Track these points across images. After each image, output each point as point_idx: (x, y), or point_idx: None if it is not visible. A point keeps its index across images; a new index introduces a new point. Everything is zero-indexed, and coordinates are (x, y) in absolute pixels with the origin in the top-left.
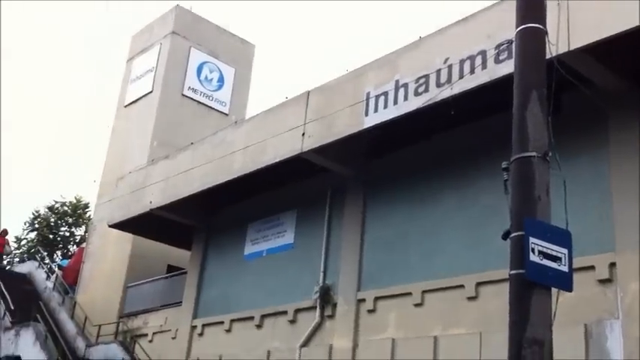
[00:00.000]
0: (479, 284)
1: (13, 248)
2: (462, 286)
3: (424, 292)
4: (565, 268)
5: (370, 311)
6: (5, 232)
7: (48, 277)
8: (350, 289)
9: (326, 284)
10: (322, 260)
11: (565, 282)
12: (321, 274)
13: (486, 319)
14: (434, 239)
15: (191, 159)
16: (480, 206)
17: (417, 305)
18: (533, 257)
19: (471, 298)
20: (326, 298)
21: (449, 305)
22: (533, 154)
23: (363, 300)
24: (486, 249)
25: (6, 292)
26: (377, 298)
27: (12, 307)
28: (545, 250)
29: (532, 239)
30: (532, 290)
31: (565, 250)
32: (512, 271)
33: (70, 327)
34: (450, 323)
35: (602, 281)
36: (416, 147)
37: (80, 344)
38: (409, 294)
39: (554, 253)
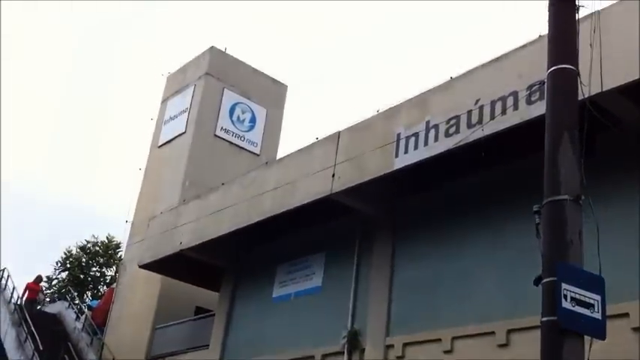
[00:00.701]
0: (510, 331)
1: (44, 289)
2: (492, 333)
3: (454, 338)
4: (598, 315)
5: (399, 358)
6: (40, 278)
7: (77, 318)
8: (378, 334)
9: (354, 329)
10: (350, 304)
11: (598, 329)
12: (349, 318)
13: None
14: (464, 283)
15: (222, 199)
16: (511, 250)
17: (446, 352)
18: (566, 304)
19: (501, 346)
20: (354, 343)
21: (479, 352)
22: (566, 197)
23: (392, 346)
24: (518, 294)
25: (35, 332)
26: (405, 344)
27: (41, 348)
28: (577, 296)
29: (564, 285)
30: (564, 338)
31: (598, 297)
32: (544, 318)
33: None
34: None
35: (637, 329)
36: (447, 188)
37: None
38: (439, 340)
39: (587, 300)
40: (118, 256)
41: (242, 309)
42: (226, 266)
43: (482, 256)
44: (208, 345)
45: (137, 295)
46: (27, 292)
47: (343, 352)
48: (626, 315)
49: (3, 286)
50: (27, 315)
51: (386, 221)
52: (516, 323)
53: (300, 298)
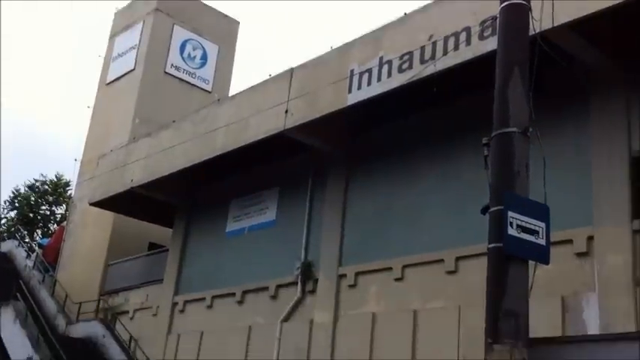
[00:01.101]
0: (458, 259)
1: None
2: (441, 261)
3: (404, 266)
4: (543, 242)
5: (351, 286)
6: None
7: (28, 256)
8: (331, 265)
9: (307, 260)
10: (304, 237)
11: (542, 255)
12: (302, 250)
13: (466, 292)
14: (415, 215)
15: (173, 137)
16: (460, 182)
17: (397, 280)
18: (512, 231)
19: (450, 272)
20: (307, 273)
21: (429, 279)
22: (514, 129)
23: (344, 275)
24: (466, 224)
25: None
26: (358, 274)
27: None
28: (523, 223)
29: (511, 213)
30: (509, 263)
31: (543, 224)
32: (491, 245)
33: (50, 305)
34: (430, 297)
35: (580, 254)
36: (398, 124)
37: (61, 322)
38: (389, 269)
39: (532, 227)
40: (68, 194)
41: (196, 244)
42: (179, 203)
43: (431, 188)
44: (162, 280)
45: (89, 233)
46: None
47: (297, 283)
48: (570, 241)
49: None
50: None
51: (339, 157)
52: (464, 251)
53: (254, 232)
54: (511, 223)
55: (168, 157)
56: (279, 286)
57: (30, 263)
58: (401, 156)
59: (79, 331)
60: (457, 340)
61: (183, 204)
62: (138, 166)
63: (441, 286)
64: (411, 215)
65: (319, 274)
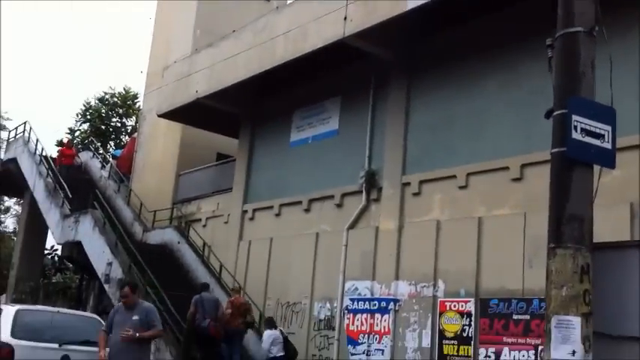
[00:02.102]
0: (524, 166)
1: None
2: (506, 168)
3: (469, 174)
4: (608, 145)
5: (415, 194)
6: (71, 143)
7: (102, 167)
8: (395, 174)
9: (371, 169)
10: (367, 145)
11: (608, 159)
12: (366, 159)
13: (531, 199)
14: (479, 121)
15: (234, 47)
16: (525, 87)
17: (461, 187)
18: (576, 135)
19: (515, 180)
20: (371, 182)
21: (493, 187)
22: (579, 29)
23: (408, 184)
24: (531, 130)
25: (63, 182)
26: (422, 182)
27: (70, 196)
28: (587, 127)
29: (575, 116)
30: (573, 168)
31: (609, 127)
32: (554, 150)
33: (126, 213)
34: (495, 204)
35: None
36: (460, 29)
37: (137, 229)
38: (454, 177)
39: (597, 130)
40: (137, 106)
41: (261, 154)
42: (243, 113)
43: (496, 94)
44: (231, 189)
45: (159, 144)
46: (62, 158)
47: (361, 191)
48: (637, 147)
49: (27, 139)
50: (57, 173)
51: (400, 64)
52: (530, 158)
53: (318, 142)
54: (575, 127)
55: (230, 68)
56: (344, 195)
57: (105, 174)
58: (463, 61)
59: (155, 237)
60: (522, 246)
61: (248, 114)
62: (202, 77)
63: (505, 193)
64: (475, 122)
65: (383, 183)
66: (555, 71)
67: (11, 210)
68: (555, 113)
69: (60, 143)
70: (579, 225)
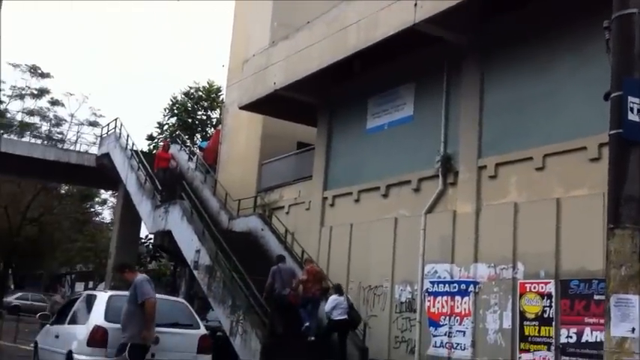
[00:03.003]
0: (602, 145)
1: (172, 158)
2: (583, 148)
3: (545, 155)
4: None
5: (491, 177)
6: (168, 146)
7: (190, 159)
8: (471, 157)
9: (447, 153)
10: (442, 130)
11: None
12: (441, 143)
13: None
14: (553, 101)
15: (308, 38)
16: (600, 65)
17: (538, 169)
18: (632, 116)
19: (593, 160)
20: (447, 166)
21: (571, 167)
22: (634, 10)
23: (484, 167)
24: (608, 109)
25: (153, 174)
26: (498, 164)
27: (160, 187)
28: None
29: (630, 98)
30: (630, 149)
31: None
32: (611, 132)
33: (213, 203)
34: (572, 185)
35: None
36: (532, 8)
37: (223, 218)
38: (530, 159)
39: None
40: (220, 99)
41: (339, 142)
42: (320, 102)
43: (571, 73)
44: (311, 176)
45: (242, 135)
46: (159, 162)
47: (438, 176)
48: None
49: (118, 135)
50: (154, 176)
51: (472, 47)
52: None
53: (393, 128)
54: (631, 109)
55: (304, 59)
56: (421, 180)
57: (192, 165)
58: (535, 41)
59: (240, 225)
60: (602, 227)
61: (325, 103)
62: (279, 69)
63: (583, 173)
64: (550, 102)
65: (459, 167)
66: (612, 53)
67: (108, 202)
68: (612, 95)
69: (150, 137)
70: (637, 205)
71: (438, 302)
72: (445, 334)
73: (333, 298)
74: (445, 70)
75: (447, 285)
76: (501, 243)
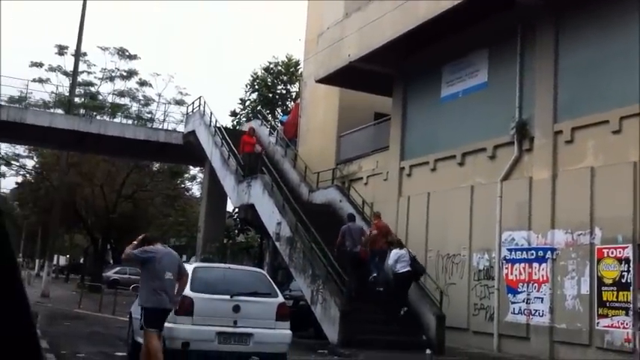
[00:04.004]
0: None
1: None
2: None
3: (622, 118)
4: None
5: (568, 142)
6: (252, 130)
7: (270, 133)
8: (546, 122)
9: (522, 119)
10: (517, 95)
11: None
12: (516, 109)
13: None
14: (630, 63)
15: (380, 9)
16: None
17: (614, 132)
18: None
19: None
20: (523, 132)
21: None
22: None
23: (560, 132)
24: None
25: (237, 151)
26: (574, 129)
27: (242, 163)
28: None
29: None
30: None
31: None
32: None
33: (293, 176)
34: None
35: None
36: None
37: (304, 190)
38: (606, 122)
39: None
40: (299, 72)
41: (414, 111)
42: (395, 72)
43: None
44: (388, 146)
45: (320, 108)
46: (244, 146)
47: (513, 142)
48: None
49: (202, 113)
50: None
51: (546, 10)
52: None
53: (468, 95)
54: None
55: (377, 30)
56: (496, 147)
57: (272, 140)
58: (608, 3)
59: (319, 197)
60: None
61: (399, 73)
62: (352, 41)
63: None
64: (627, 63)
65: (535, 132)
66: None
67: (197, 178)
68: None
69: (233, 113)
70: None
71: (516, 269)
72: (523, 301)
73: (395, 252)
74: (519, 33)
75: (524, 252)
76: (578, 208)
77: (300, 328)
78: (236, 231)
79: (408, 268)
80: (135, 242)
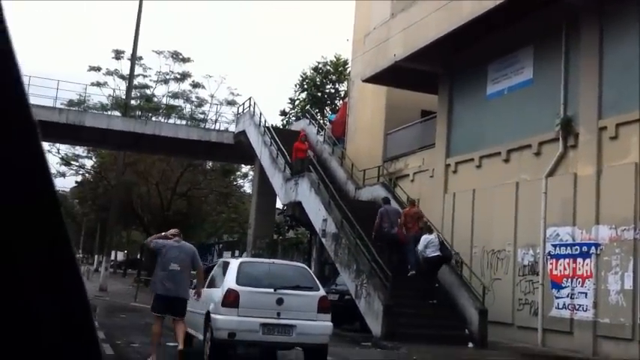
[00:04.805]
0: None
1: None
2: None
3: None
4: None
5: (612, 138)
6: (305, 137)
7: (318, 132)
8: (591, 118)
9: (567, 115)
10: (561, 92)
11: None
12: (561, 105)
13: None
14: None
15: (424, 9)
16: None
17: None
18: None
19: None
20: (568, 128)
21: None
22: None
23: (605, 128)
24: None
25: (285, 150)
26: (618, 125)
27: (290, 161)
28: None
29: None
30: None
31: None
32: None
33: (340, 174)
34: None
35: None
36: None
37: (350, 187)
38: None
39: None
40: (347, 72)
41: (460, 108)
42: (440, 71)
43: None
44: (434, 144)
45: (367, 106)
46: (296, 153)
47: (558, 139)
48: None
49: (252, 113)
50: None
51: (590, 6)
52: None
53: (513, 92)
54: None
55: (422, 30)
56: (541, 143)
57: (320, 138)
58: None
59: (365, 194)
60: None
61: (445, 71)
62: (398, 41)
63: None
64: None
65: (580, 129)
66: None
67: (248, 175)
68: None
69: (283, 112)
70: None
71: (560, 265)
72: (567, 296)
73: (425, 237)
74: (563, 30)
75: (568, 247)
76: (622, 204)
77: (346, 322)
78: (286, 227)
79: (438, 253)
80: (163, 234)
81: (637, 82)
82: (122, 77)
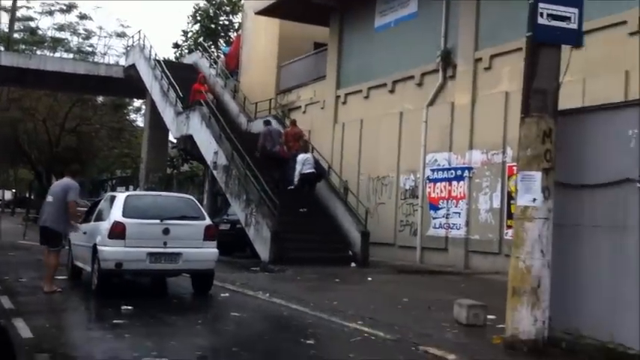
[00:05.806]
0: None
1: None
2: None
3: None
4: (574, 26)
5: (486, 69)
6: (203, 78)
7: (211, 65)
8: (468, 50)
9: (447, 47)
10: (442, 25)
11: (573, 38)
12: (442, 38)
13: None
14: None
15: None
16: None
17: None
18: (542, 20)
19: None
20: (447, 60)
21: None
22: None
23: (480, 59)
24: None
25: (174, 82)
26: (492, 56)
27: (181, 95)
28: (554, 12)
29: (541, 4)
30: (540, 49)
31: (575, 10)
32: (527, 34)
33: (232, 107)
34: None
35: (633, 33)
36: None
37: (242, 120)
38: (520, 49)
39: (563, 14)
40: (241, 3)
41: (350, 41)
42: (332, 3)
43: None
44: (325, 76)
45: (261, 39)
46: (195, 95)
47: (438, 70)
48: (624, 22)
49: (142, 46)
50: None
51: None
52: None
53: (399, 25)
54: (541, 14)
55: None
56: (423, 74)
57: (213, 71)
58: None
59: (257, 127)
60: None
61: (336, 3)
62: None
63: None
64: None
65: (458, 60)
66: None
67: (141, 110)
68: (530, 2)
69: (176, 45)
70: (543, 97)
71: (438, 188)
72: (443, 216)
73: (301, 156)
74: None
75: (445, 172)
76: (493, 130)
77: (237, 250)
78: (180, 161)
79: (313, 170)
80: None
81: (510, 16)
82: (4, 9)
